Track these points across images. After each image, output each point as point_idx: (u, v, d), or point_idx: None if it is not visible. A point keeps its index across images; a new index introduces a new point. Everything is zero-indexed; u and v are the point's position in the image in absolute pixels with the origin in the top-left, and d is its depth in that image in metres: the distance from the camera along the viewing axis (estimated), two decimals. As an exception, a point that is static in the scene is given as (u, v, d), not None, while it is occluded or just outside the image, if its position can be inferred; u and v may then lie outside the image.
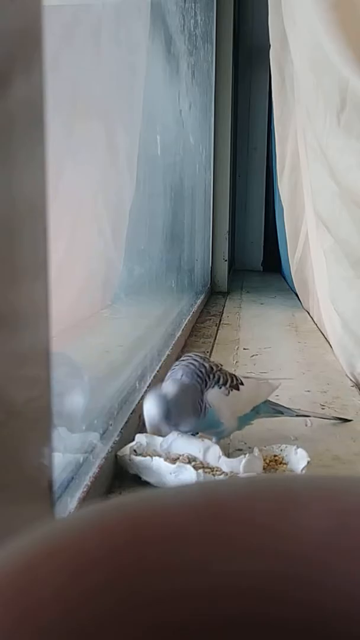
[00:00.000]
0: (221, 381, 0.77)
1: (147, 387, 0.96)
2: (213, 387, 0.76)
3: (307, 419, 0.94)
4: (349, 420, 0.94)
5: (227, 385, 0.77)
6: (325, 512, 0.21)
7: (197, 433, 0.79)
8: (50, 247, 0.34)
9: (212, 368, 0.78)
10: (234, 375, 0.80)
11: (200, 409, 0.75)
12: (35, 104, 0.32)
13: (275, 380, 0.89)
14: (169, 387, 0.74)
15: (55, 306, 0.36)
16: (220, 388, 0.76)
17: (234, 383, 0.78)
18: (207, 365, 0.77)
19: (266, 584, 0.20)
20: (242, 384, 0.79)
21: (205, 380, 0.76)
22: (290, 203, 1.80)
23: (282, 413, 0.87)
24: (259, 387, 0.83)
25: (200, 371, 0.76)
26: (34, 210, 0.33)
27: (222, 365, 0.80)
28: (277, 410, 0.86)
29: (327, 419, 0.94)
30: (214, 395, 0.75)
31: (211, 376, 0.76)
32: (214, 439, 0.77)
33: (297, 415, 0.89)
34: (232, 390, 0.77)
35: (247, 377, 0.83)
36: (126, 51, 0.99)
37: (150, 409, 0.72)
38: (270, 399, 0.87)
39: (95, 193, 0.92)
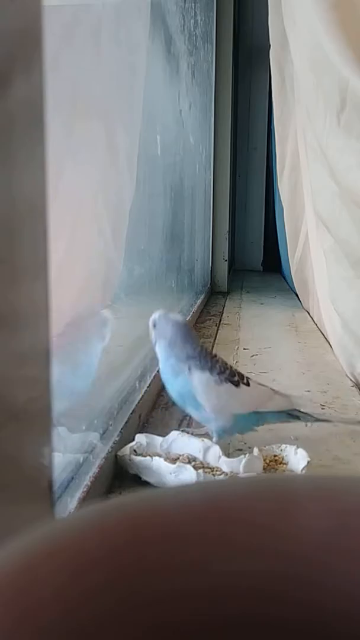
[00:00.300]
0: (219, 370, 0.77)
1: (147, 387, 0.96)
2: (208, 372, 0.77)
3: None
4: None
5: (223, 376, 0.77)
6: (325, 512, 0.21)
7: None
8: (50, 247, 0.34)
9: (215, 356, 0.80)
10: (242, 374, 0.80)
11: (200, 357, 0.77)
12: (35, 104, 0.32)
13: (299, 398, 0.89)
14: (171, 315, 0.81)
15: (55, 306, 0.35)
16: (212, 375, 0.77)
17: (233, 378, 0.78)
18: (212, 354, 0.81)
19: (266, 584, 0.20)
20: (247, 384, 0.79)
21: (200, 356, 0.78)
22: (290, 203, 1.80)
23: (297, 418, 0.84)
24: (269, 396, 0.82)
25: (203, 349, 0.80)
26: (34, 210, 0.33)
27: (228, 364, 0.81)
28: (295, 416, 0.84)
29: (352, 424, 0.91)
30: (197, 375, 0.76)
31: (206, 359, 0.78)
32: (214, 439, 0.78)
33: (317, 421, 0.86)
34: (226, 383, 0.77)
35: (263, 385, 0.84)
36: (126, 51, 0.99)
37: (156, 313, 0.80)
38: (272, 385, 0.88)
39: (95, 193, 0.92)
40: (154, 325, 0.79)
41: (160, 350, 0.79)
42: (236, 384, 0.78)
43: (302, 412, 0.84)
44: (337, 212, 1.13)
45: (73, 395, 0.68)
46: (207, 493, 0.23)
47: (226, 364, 0.80)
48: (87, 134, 0.86)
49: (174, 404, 0.82)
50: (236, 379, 0.78)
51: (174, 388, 0.79)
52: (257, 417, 0.81)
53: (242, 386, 0.78)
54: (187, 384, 0.77)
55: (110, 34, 0.90)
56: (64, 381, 0.65)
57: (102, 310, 0.81)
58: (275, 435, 0.87)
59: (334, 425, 0.93)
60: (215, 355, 0.80)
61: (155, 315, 0.80)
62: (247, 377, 0.80)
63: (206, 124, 2.14)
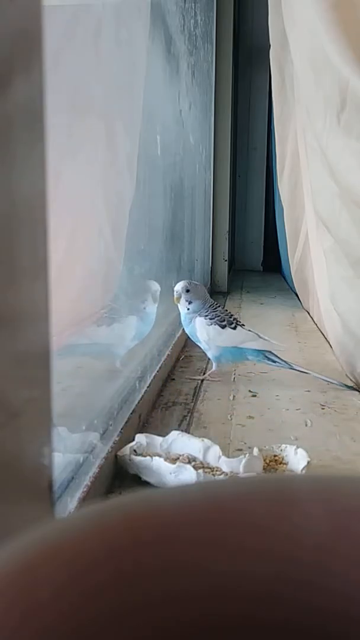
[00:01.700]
0: (212, 316, 1.15)
1: (147, 387, 0.96)
2: (204, 317, 1.15)
3: (307, 419, 0.94)
4: (351, 388, 1.12)
5: (214, 320, 1.15)
6: (325, 513, 0.21)
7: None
8: (50, 247, 0.34)
9: (217, 308, 1.18)
10: (236, 320, 1.17)
11: (207, 308, 1.17)
12: (35, 104, 0.32)
13: (281, 347, 1.19)
14: (193, 281, 1.23)
15: (55, 306, 0.35)
16: (206, 319, 1.15)
17: (222, 322, 1.15)
18: (216, 304, 1.19)
19: (266, 586, 0.20)
20: (233, 328, 1.15)
21: (208, 307, 1.17)
22: (290, 203, 1.80)
23: (274, 362, 1.16)
24: (251, 337, 1.16)
25: (211, 303, 1.19)
26: (34, 210, 0.33)
27: (230, 312, 1.20)
28: (271, 359, 1.16)
29: (327, 381, 1.13)
30: (198, 320, 1.16)
31: (209, 310, 1.16)
32: (214, 365, 1.17)
33: (291, 369, 1.16)
34: (215, 325, 1.14)
35: (250, 331, 1.17)
36: (126, 51, 0.98)
37: (178, 283, 1.17)
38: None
39: (95, 193, 0.92)
40: (187, 290, 1.16)
41: (193, 307, 1.16)
42: (222, 327, 1.14)
43: (279, 358, 1.16)
44: (337, 212, 1.13)
45: (139, 337, 1.05)
46: (207, 493, 0.22)
47: (221, 313, 1.16)
48: (87, 134, 0.86)
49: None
50: (224, 323, 1.15)
51: (188, 330, 1.19)
52: (239, 351, 1.16)
53: (228, 328, 1.15)
54: (193, 325, 1.16)
55: (110, 34, 0.90)
56: (133, 325, 1.04)
57: (150, 282, 1.11)
58: (275, 435, 0.87)
59: (334, 425, 0.93)
60: (216, 308, 1.17)
61: (185, 283, 1.17)
62: (237, 324, 1.16)
63: (206, 124, 2.14)
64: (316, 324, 1.69)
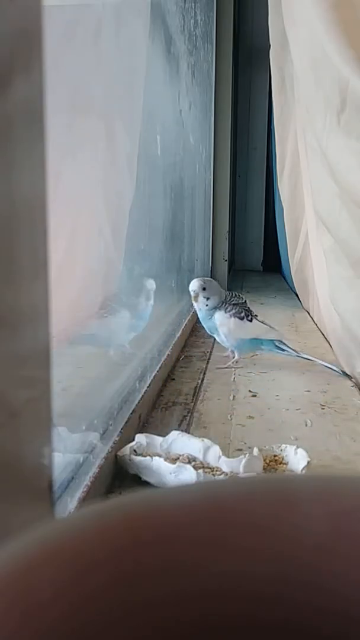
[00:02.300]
0: (230, 310, 1.22)
1: (147, 387, 0.96)
2: (224, 311, 1.22)
3: (307, 419, 0.94)
4: (348, 375, 1.19)
5: (232, 313, 1.22)
6: (325, 513, 0.21)
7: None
8: (50, 247, 0.34)
9: (233, 299, 1.24)
10: (251, 312, 1.25)
11: (223, 302, 1.23)
12: (35, 104, 0.32)
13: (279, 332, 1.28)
14: (206, 278, 1.29)
15: (55, 306, 0.35)
16: (226, 313, 1.22)
17: (240, 315, 1.22)
18: (234, 296, 1.26)
19: (266, 586, 0.20)
20: (250, 321, 1.23)
21: (226, 300, 1.23)
22: (290, 203, 1.80)
23: (283, 350, 1.25)
24: (265, 330, 1.25)
25: (226, 295, 1.25)
26: (34, 210, 0.33)
27: (245, 301, 1.27)
28: (280, 348, 1.25)
29: (330, 368, 1.21)
30: (218, 314, 1.22)
31: (227, 303, 1.23)
32: (229, 351, 1.27)
33: (298, 356, 1.25)
34: (234, 318, 1.22)
35: (263, 323, 1.26)
36: (126, 51, 0.99)
37: (194, 282, 1.22)
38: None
39: (95, 193, 0.92)
40: (204, 289, 1.21)
41: (211, 303, 1.22)
42: (241, 319, 1.22)
43: (287, 346, 1.26)
44: (337, 212, 1.13)
45: (134, 331, 1.10)
46: (207, 493, 0.22)
47: (241, 307, 1.23)
48: (87, 134, 0.86)
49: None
50: (242, 315, 1.23)
51: (207, 325, 1.25)
52: (256, 342, 1.25)
53: (245, 321, 1.23)
54: (213, 320, 1.23)
55: (110, 34, 0.90)
56: (127, 323, 1.08)
57: (148, 281, 1.14)
58: (275, 435, 0.87)
59: (334, 425, 0.93)
60: (236, 301, 1.24)
61: (201, 281, 1.23)
62: (254, 317, 1.25)
63: (206, 124, 2.14)
64: (316, 324, 1.69)
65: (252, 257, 3.33)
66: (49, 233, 0.34)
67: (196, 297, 1.22)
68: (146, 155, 1.11)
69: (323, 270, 1.34)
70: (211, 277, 2.38)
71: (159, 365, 1.09)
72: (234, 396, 1.07)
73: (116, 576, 0.19)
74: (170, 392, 1.08)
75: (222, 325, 1.22)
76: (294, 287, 2.10)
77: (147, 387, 0.96)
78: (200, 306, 1.23)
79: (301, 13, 1.12)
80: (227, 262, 2.42)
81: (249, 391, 1.10)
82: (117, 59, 0.95)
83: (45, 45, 0.32)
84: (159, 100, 1.28)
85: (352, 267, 1.14)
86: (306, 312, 1.89)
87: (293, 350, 1.25)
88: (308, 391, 1.11)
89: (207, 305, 1.22)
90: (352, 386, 1.15)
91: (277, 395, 1.08)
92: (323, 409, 1.01)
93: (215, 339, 1.31)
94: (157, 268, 1.30)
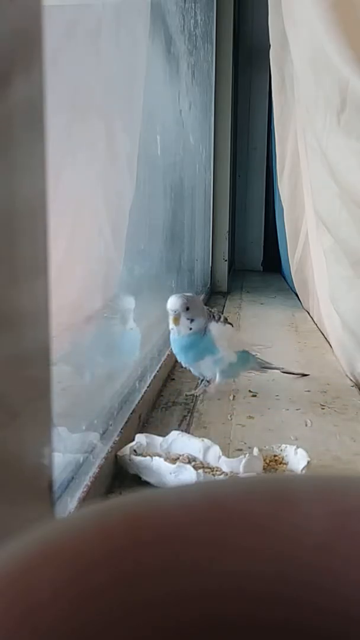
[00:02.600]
0: (219, 318, 1.00)
1: (147, 387, 0.96)
2: (216, 321, 0.99)
3: (307, 419, 0.94)
4: (307, 375, 1.16)
5: (222, 320, 1.01)
6: (325, 513, 0.21)
7: (201, 360, 1.00)
8: (50, 247, 0.34)
9: (212, 311, 1.02)
10: (227, 318, 1.05)
11: (209, 315, 0.99)
12: (35, 104, 0.32)
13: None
14: (188, 294, 0.99)
15: (55, 306, 0.35)
16: (218, 322, 0.99)
17: (228, 322, 1.03)
18: (210, 311, 1.02)
19: (266, 586, 0.20)
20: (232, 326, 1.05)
21: (210, 313, 1.00)
22: (290, 203, 1.80)
23: (263, 367, 1.09)
24: (249, 343, 1.12)
25: (208, 310, 1.02)
26: (34, 210, 0.33)
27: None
28: (263, 365, 1.10)
29: (293, 374, 1.15)
30: (214, 326, 0.98)
31: (211, 313, 1.00)
32: (217, 377, 1.00)
33: (264, 368, 1.10)
34: (227, 324, 1.02)
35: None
36: (126, 51, 0.98)
37: (174, 299, 0.95)
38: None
39: (95, 193, 0.92)
40: (187, 308, 0.94)
41: (195, 325, 0.96)
42: (231, 324, 1.04)
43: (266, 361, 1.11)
44: (337, 212, 1.13)
45: (122, 361, 0.91)
46: (207, 493, 0.22)
47: (224, 317, 1.04)
48: (87, 134, 0.86)
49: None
50: (230, 322, 1.04)
51: (194, 352, 0.98)
52: (248, 356, 1.05)
53: (235, 330, 1.08)
54: (208, 337, 0.97)
55: (110, 34, 0.90)
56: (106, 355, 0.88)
57: (126, 299, 0.94)
58: (275, 435, 0.87)
59: (334, 425, 0.93)
60: (218, 315, 1.03)
61: (183, 299, 0.95)
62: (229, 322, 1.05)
63: (206, 124, 2.14)
64: (316, 324, 1.69)
65: (252, 257, 3.33)
66: (49, 233, 0.34)
67: (177, 318, 0.94)
68: (146, 155, 1.11)
69: (323, 270, 1.34)
70: (211, 277, 2.39)
71: (159, 365, 1.09)
72: (234, 396, 1.07)
73: (116, 576, 0.19)
74: (170, 392, 1.08)
75: (220, 338, 0.98)
76: (294, 287, 2.10)
77: (147, 387, 0.96)
78: (181, 330, 0.95)
79: (301, 13, 1.12)
80: (227, 262, 2.42)
81: (249, 391, 1.10)
82: (117, 59, 0.95)
83: (45, 45, 0.32)
84: (159, 100, 1.28)
85: (352, 267, 1.14)
86: (306, 312, 1.89)
87: (269, 363, 1.11)
88: (308, 391, 1.11)
89: (190, 329, 0.95)
90: (352, 386, 1.15)
91: (277, 395, 1.08)
92: (323, 409, 1.01)
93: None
94: (157, 268, 1.29)
